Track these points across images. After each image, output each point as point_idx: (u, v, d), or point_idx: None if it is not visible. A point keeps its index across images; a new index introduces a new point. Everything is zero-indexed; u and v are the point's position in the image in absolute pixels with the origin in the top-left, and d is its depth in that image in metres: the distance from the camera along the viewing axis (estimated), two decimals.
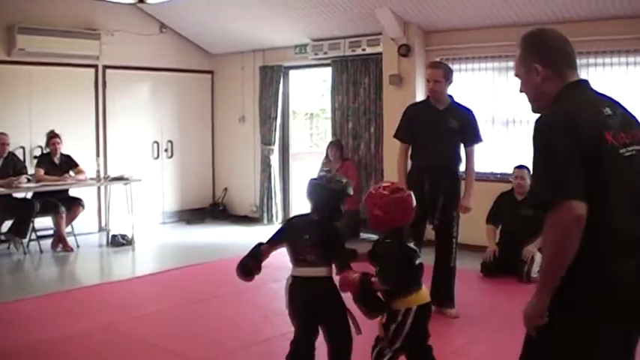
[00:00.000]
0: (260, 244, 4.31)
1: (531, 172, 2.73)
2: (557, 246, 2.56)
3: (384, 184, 4.19)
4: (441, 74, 6.13)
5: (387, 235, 4.00)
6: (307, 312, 4.18)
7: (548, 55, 2.86)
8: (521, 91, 3.07)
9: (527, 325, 2.75)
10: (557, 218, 2.51)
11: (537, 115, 2.85)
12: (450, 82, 6.25)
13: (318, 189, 4.25)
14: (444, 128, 6.15)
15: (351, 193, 4.30)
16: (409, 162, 6.45)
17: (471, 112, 6.37)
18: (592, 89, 2.88)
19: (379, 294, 3.91)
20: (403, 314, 3.88)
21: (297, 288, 4.16)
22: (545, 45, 2.89)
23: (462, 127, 6.21)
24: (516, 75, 3.04)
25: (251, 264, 4.25)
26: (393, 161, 9.46)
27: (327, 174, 4.37)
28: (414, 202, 4.07)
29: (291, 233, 4.26)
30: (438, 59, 9.27)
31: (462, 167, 6.42)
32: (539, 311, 2.67)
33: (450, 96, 6.32)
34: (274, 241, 4.32)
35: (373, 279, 3.88)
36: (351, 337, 4.21)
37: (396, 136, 6.54)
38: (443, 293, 6.04)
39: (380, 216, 3.98)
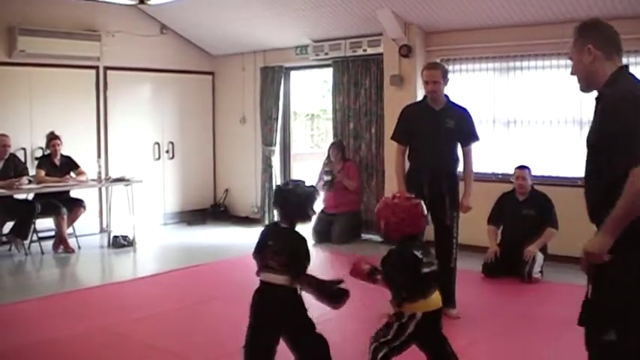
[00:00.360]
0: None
1: (612, 136, 3.03)
2: (637, 196, 2.93)
3: (396, 194, 4.34)
4: (439, 75, 6.17)
5: (399, 244, 4.16)
6: (261, 318, 4.18)
7: (600, 39, 3.33)
8: (572, 73, 3.47)
9: (588, 262, 3.10)
10: None
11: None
12: (447, 83, 6.28)
13: (285, 196, 4.27)
14: (441, 129, 6.17)
15: (317, 196, 4.36)
16: (407, 163, 6.43)
17: (467, 111, 6.40)
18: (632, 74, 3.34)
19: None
20: (407, 318, 4.02)
21: (259, 292, 4.20)
22: (597, 30, 3.38)
23: (459, 126, 6.24)
24: (570, 57, 3.47)
25: None
26: (394, 162, 9.53)
27: (292, 180, 4.39)
28: (425, 210, 4.23)
29: (260, 239, 4.26)
30: (438, 60, 9.29)
31: (460, 167, 6.42)
32: (604, 250, 3.03)
33: (446, 96, 6.33)
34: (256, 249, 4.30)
35: (379, 276, 4.17)
36: (318, 350, 4.20)
37: (393, 137, 6.54)
38: (444, 294, 6.02)
39: (392, 223, 4.14)
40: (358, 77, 10.31)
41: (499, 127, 9.02)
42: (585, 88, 3.42)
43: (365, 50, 9.96)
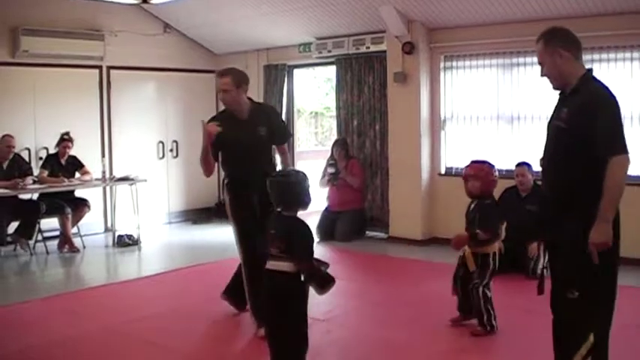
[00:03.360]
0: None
1: (600, 124, 3.64)
2: (622, 181, 3.72)
3: (473, 163, 6.08)
4: (230, 82, 5.61)
5: (490, 199, 5.93)
6: (269, 306, 4.28)
7: (567, 41, 3.86)
8: (543, 74, 3.97)
9: (598, 249, 3.66)
10: (624, 163, 3.68)
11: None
12: (246, 89, 5.79)
13: (281, 185, 4.34)
14: (255, 137, 5.71)
15: (309, 183, 4.40)
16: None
17: (274, 109, 6.53)
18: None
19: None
20: (492, 257, 5.71)
21: (265, 280, 4.29)
22: (563, 34, 3.90)
23: (270, 130, 5.84)
24: (540, 62, 3.96)
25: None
26: (399, 158, 9.54)
27: (281, 169, 4.44)
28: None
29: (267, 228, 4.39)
30: (442, 56, 9.29)
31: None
32: (610, 236, 3.71)
33: (249, 99, 5.88)
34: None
35: (478, 231, 5.59)
36: (294, 349, 4.24)
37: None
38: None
39: (489, 182, 5.94)
40: (362, 74, 10.30)
41: (502, 123, 9.01)
42: (559, 86, 3.92)
43: (368, 47, 9.95)
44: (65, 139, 9.42)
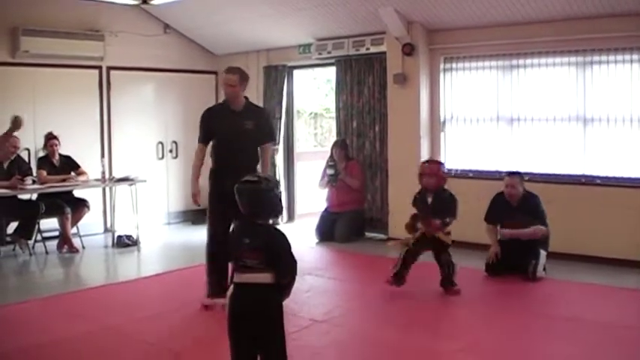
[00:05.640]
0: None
1: None
2: None
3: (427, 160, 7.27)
4: (237, 80, 6.56)
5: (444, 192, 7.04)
6: (245, 324, 3.90)
7: None
8: None
9: None
10: None
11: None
12: (245, 86, 6.75)
13: (248, 192, 3.99)
14: (241, 129, 6.57)
15: (280, 191, 4.15)
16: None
17: (265, 111, 7.06)
18: None
19: None
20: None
21: (237, 296, 3.94)
22: None
23: (258, 127, 6.68)
24: None
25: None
26: (398, 159, 9.55)
27: (252, 176, 4.13)
28: None
29: (232, 239, 4.06)
30: (442, 58, 9.30)
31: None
32: None
33: (245, 97, 6.78)
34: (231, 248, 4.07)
35: (447, 219, 6.91)
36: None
37: (199, 140, 6.80)
38: None
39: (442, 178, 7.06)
40: (361, 76, 10.30)
41: (502, 125, 9.01)
42: None
43: (368, 49, 9.96)
44: (50, 138, 9.43)
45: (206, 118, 6.79)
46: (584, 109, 8.23)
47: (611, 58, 7.99)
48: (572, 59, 8.29)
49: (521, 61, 8.77)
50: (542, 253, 7.45)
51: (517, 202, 7.66)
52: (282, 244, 3.93)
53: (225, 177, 6.23)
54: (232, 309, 3.93)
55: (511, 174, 7.76)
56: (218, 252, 6.45)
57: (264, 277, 3.85)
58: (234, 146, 6.55)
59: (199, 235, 10.77)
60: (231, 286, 3.98)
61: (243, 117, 6.58)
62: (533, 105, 8.70)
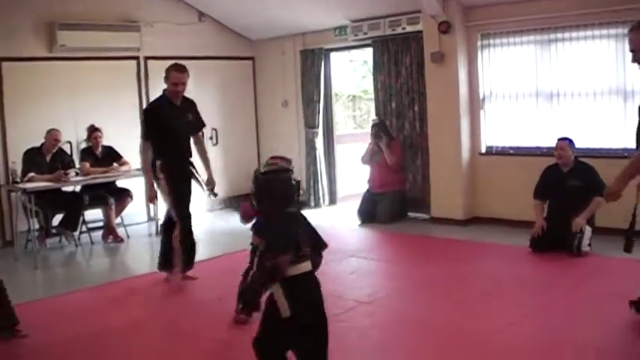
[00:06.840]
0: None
1: None
2: None
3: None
4: (186, 77, 7.17)
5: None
6: (317, 314, 3.84)
7: None
8: (633, 61, 4.70)
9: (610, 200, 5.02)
10: None
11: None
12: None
13: (285, 181, 3.91)
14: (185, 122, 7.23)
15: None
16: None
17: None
18: None
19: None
20: None
21: (307, 285, 3.82)
22: None
23: (196, 117, 7.43)
24: (632, 50, 4.65)
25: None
26: (438, 138, 9.48)
27: (269, 166, 3.98)
28: None
29: (288, 229, 3.86)
30: (479, 34, 9.19)
31: None
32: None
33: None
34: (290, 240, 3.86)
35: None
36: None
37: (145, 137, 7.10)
38: None
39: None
40: (398, 56, 10.22)
41: (542, 100, 8.89)
42: None
43: (404, 28, 9.87)
44: (93, 130, 9.54)
45: (153, 115, 7.13)
46: (624, 82, 8.09)
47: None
48: (612, 31, 8.14)
49: (559, 35, 8.62)
50: (588, 228, 7.37)
51: (568, 167, 7.69)
52: (315, 229, 3.93)
53: (177, 165, 7.07)
54: (308, 299, 3.80)
55: (561, 139, 7.81)
56: (190, 229, 7.34)
57: (308, 264, 3.80)
58: (182, 138, 7.19)
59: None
60: (282, 282, 3.71)
61: (184, 110, 7.19)
62: (572, 79, 8.57)
